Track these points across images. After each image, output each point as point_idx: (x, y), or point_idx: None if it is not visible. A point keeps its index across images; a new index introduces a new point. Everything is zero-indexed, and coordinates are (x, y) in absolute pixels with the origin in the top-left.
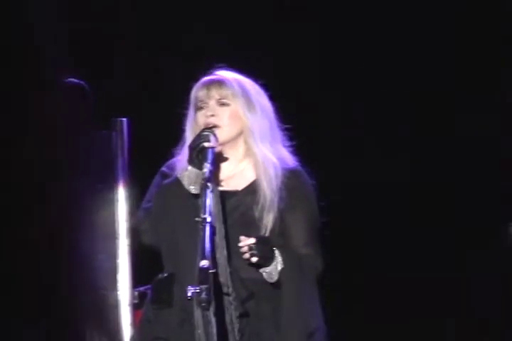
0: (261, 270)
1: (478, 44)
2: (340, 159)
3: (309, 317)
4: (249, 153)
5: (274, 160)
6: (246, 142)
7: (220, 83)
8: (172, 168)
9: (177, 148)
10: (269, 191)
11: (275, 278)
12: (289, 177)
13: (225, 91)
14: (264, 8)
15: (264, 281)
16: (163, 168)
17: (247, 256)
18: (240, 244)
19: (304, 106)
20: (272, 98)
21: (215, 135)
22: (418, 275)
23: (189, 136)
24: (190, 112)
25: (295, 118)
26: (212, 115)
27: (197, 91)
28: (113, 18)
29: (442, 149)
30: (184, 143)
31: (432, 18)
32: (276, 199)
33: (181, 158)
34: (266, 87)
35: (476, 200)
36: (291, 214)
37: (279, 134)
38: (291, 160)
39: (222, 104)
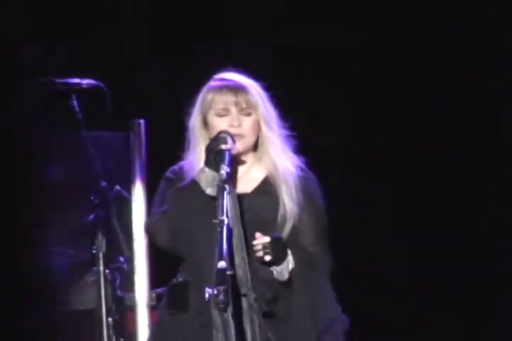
0: (272, 268)
1: None
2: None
3: (320, 313)
4: (264, 160)
5: (292, 169)
6: (263, 150)
7: (245, 90)
8: (177, 173)
9: (185, 153)
10: (290, 202)
11: (286, 277)
12: (303, 184)
13: (250, 100)
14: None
15: (280, 282)
16: (168, 174)
17: (260, 254)
18: (254, 242)
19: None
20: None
21: (232, 137)
22: None
23: (200, 140)
24: (198, 114)
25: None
26: (239, 125)
27: (221, 96)
28: (132, 19)
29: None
30: (193, 146)
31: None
32: (295, 209)
33: (188, 162)
34: (267, 86)
35: None
36: (301, 213)
37: (287, 138)
38: (299, 163)
39: (246, 114)
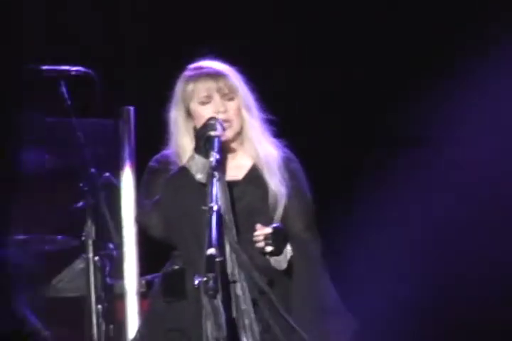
0: (270, 258)
1: None
2: None
3: (323, 297)
4: (246, 145)
5: (274, 151)
6: (244, 135)
7: (224, 75)
8: (161, 162)
9: (167, 146)
10: (278, 184)
11: (284, 266)
12: (287, 164)
13: (231, 84)
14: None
15: (276, 269)
16: (152, 163)
17: (261, 245)
18: (256, 233)
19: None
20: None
21: (221, 124)
22: None
23: (185, 131)
24: (180, 105)
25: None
26: (225, 111)
27: (202, 83)
28: (124, 7)
29: None
30: (179, 139)
31: None
32: (283, 190)
33: (173, 153)
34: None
35: None
36: (289, 199)
37: (266, 122)
38: (281, 146)
39: (229, 99)
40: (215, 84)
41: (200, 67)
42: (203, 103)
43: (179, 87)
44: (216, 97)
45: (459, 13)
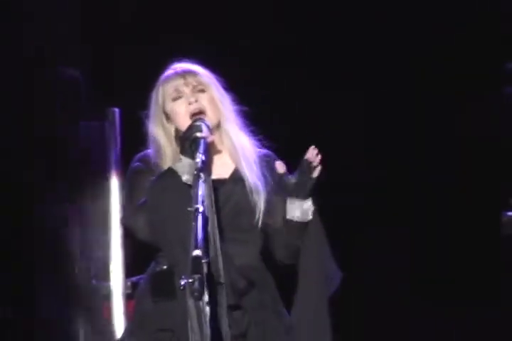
0: (302, 204)
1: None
2: None
3: (326, 263)
4: (223, 140)
5: (251, 146)
6: (221, 129)
7: (193, 72)
8: (145, 161)
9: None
10: (253, 177)
11: (310, 217)
12: (267, 161)
13: (199, 80)
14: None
15: (261, 268)
16: (138, 163)
17: (316, 163)
18: (313, 151)
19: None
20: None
21: (207, 125)
22: None
23: (160, 134)
24: (156, 110)
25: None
26: (196, 101)
27: (170, 82)
28: (111, 7)
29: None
30: (156, 144)
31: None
32: (261, 183)
33: (155, 160)
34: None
35: None
36: (269, 196)
37: (243, 122)
38: (258, 144)
39: (200, 91)
40: (183, 80)
41: (171, 68)
42: (174, 99)
43: (153, 94)
44: (186, 90)
45: None
